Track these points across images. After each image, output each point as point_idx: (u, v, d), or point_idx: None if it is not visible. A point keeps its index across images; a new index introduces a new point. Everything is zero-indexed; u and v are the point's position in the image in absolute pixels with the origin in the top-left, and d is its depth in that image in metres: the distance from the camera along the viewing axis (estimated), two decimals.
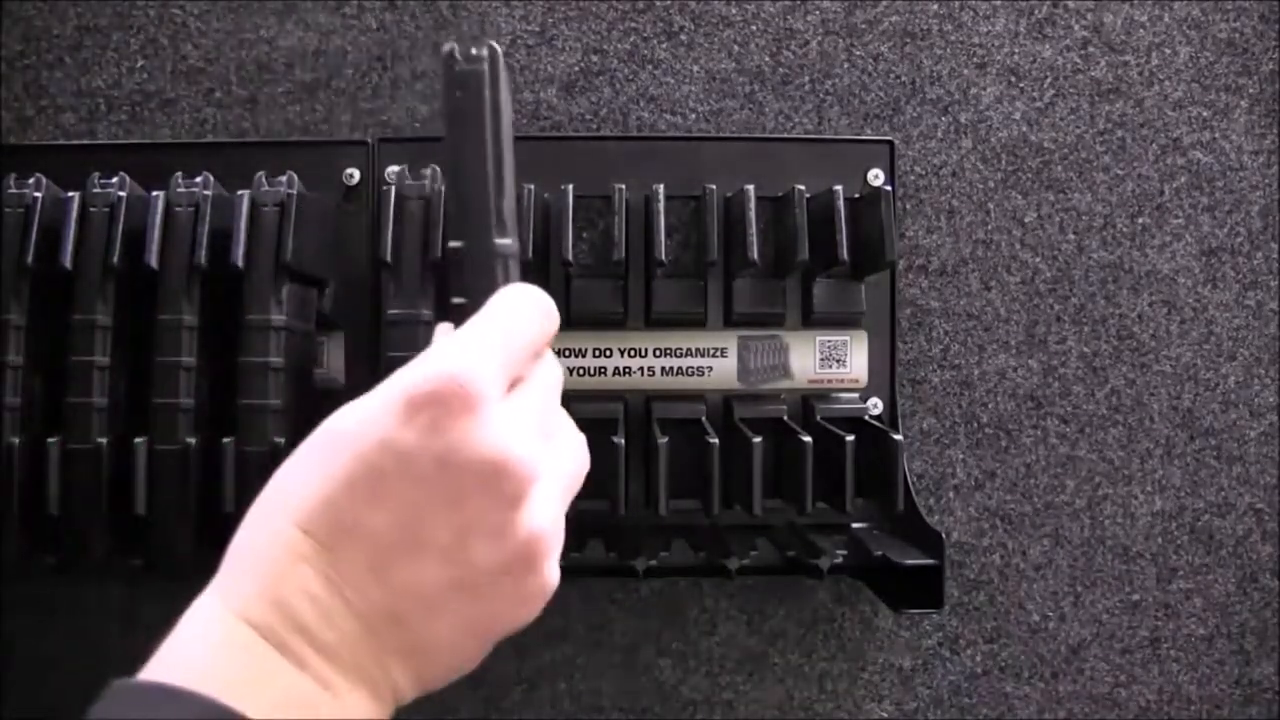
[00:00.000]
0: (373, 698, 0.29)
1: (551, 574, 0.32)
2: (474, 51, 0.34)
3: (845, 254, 0.54)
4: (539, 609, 0.32)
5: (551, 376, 0.34)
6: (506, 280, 0.34)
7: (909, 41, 0.64)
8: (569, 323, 0.60)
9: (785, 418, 0.59)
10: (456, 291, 0.34)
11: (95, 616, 0.61)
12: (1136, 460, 0.64)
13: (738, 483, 0.55)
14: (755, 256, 0.55)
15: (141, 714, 0.27)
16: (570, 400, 0.48)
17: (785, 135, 0.63)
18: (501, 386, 0.30)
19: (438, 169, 0.55)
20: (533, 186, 0.54)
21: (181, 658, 0.28)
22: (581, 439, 0.35)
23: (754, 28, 0.63)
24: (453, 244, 0.34)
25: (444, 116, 0.35)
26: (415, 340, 0.52)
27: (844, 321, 0.61)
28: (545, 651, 0.62)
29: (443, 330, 0.34)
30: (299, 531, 0.29)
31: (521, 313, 0.33)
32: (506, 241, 0.34)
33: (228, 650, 0.28)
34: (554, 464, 0.32)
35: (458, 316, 0.33)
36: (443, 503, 0.29)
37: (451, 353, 0.30)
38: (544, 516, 0.31)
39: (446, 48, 0.35)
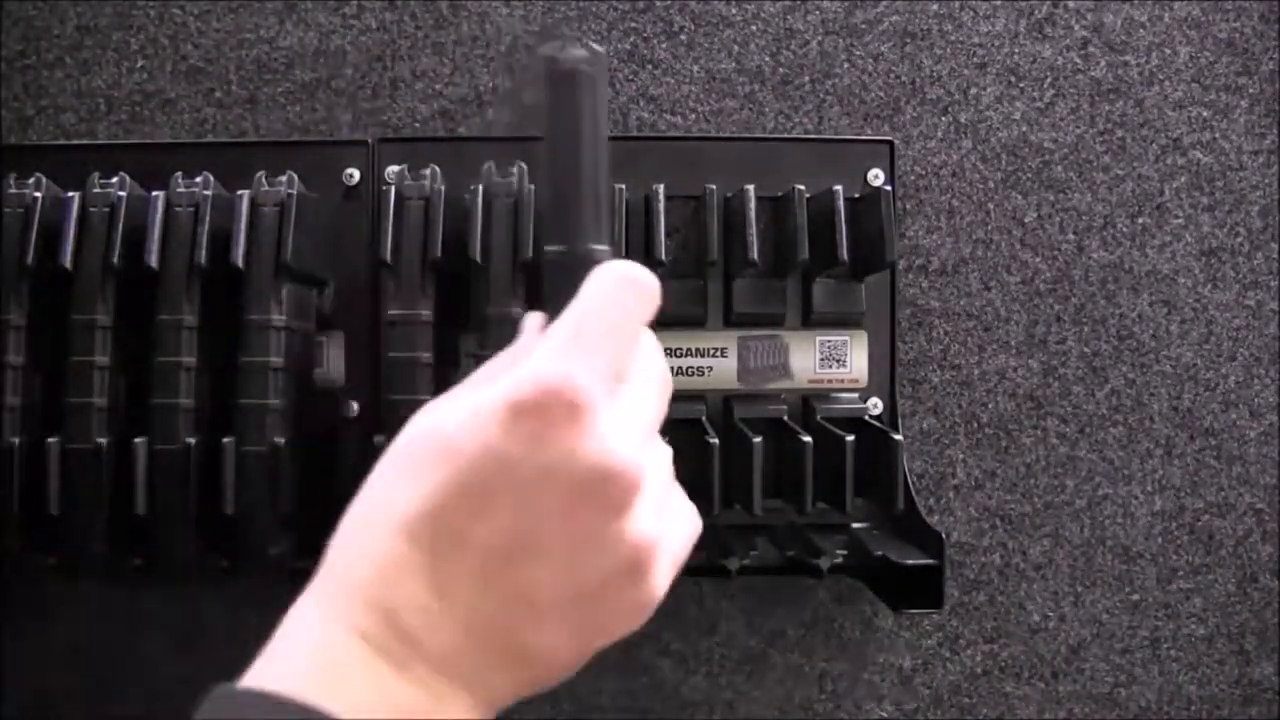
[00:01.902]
0: (472, 703, 0.29)
1: (659, 581, 0.30)
2: (578, 52, 0.34)
3: (845, 254, 0.54)
4: (645, 618, 0.31)
5: (654, 367, 0.33)
6: None
7: (909, 41, 0.64)
8: None
9: (785, 418, 0.59)
10: (550, 296, 0.33)
11: (95, 616, 0.61)
12: (1136, 460, 0.64)
13: (738, 483, 0.55)
14: (755, 256, 0.55)
15: None
16: None
17: (785, 135, 0.63)
18: (605, 389, 0.29)
19: (437, 169, 0.55)
20: (533, 186, 0.54)
21: (285, 664, 0.28)
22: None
23: (754, 28, 0.63)
24: (549, 248, 0.33)
25: (543, 115, 0.34)
26: (415, 340, 0.52)
27: (844, 321, 0.61)
28: None
29: (533, 320, 0.34)
30: (405, 540, 0.28)
31: (620, 301, 0.31)
32: (602, 247, 0.33)
33: (333, 657, 0.28)
34: (659, 465, 0.31)
35: (553, 315, 0.32)
36: (548, 513, 0.28)
37: (554, 357, 0.29)
38: (650, 524, 0.30)
39: (546, 49, 0.34)
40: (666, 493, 0.31)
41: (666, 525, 0.31)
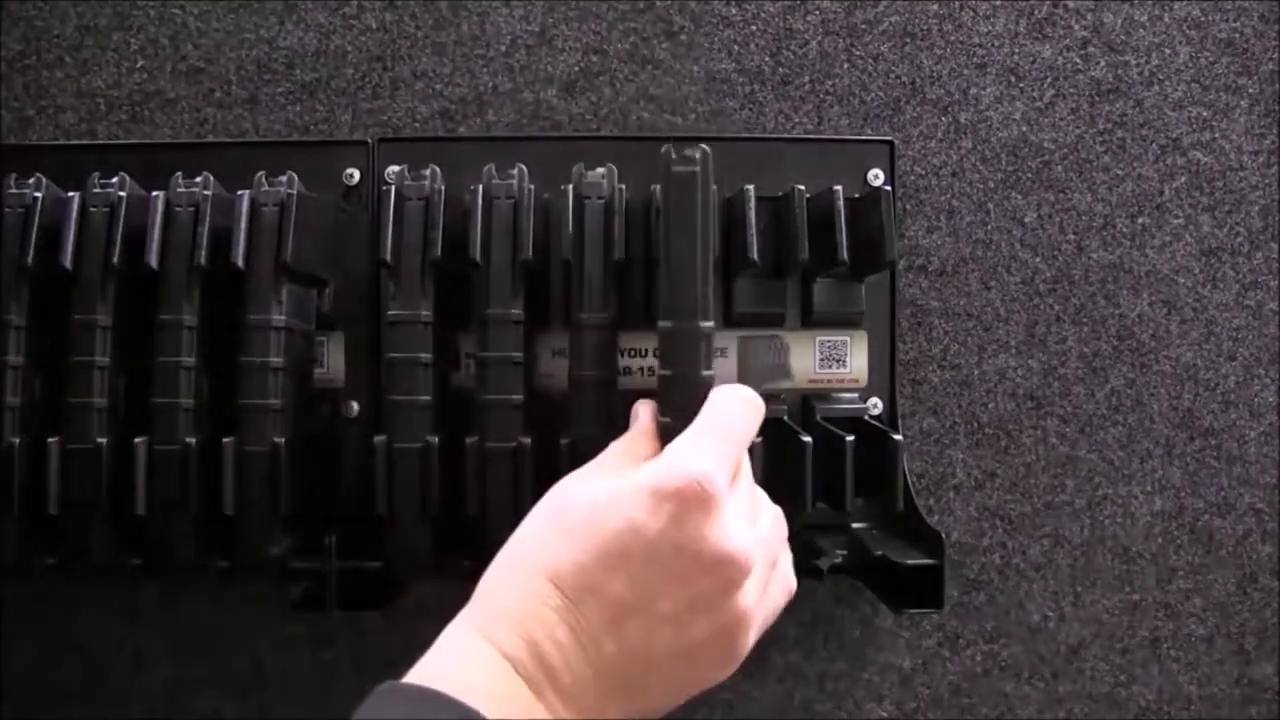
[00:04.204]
0: None
1: (750, 642, 0.37)
2: (688, 153, 0.41)
3: (845, 254, 0.54)
4: (733, 671, 0.38)
5: (747, 463, 0.40)
6: (708, 355, 0.41)
7: (909, 41, 0.64)
8: (569, 323, 0.60)
9: (785, 418, 0.59)
10: (664, 364, 0.41)
11: (95, 616, 0.61)
12: (1136, 460, 0.64)
13: None
14: (755, 256, 0.55)
15: (411, 713, 0.31)
16: None
17: (785, 135, 0.63)
18: (729, 484, 0.37)
19: (437, 169, 0.55)
20: (533, 186, 0.54)
21: (442, 672, 0.33)
22: (777, 512, 0.42)
23: (754, 28, 0.63)
24: (663, 323, 0.41)
25: (661, 211, 0.41)
26: (415, 340, 0.52)
27: (844, 321, 0.61)
28: None
29: (644, 410, 0.42)
30: (550, 584, 0.35)
31: (741, 413, 0.40)
32: (709, 324, 0.41)
33: (483, 673, 0.33)
34: (764, 548, 0.38)
35: (666, 386, 0.40)
36: (675, 580, 0.35)
37: (693, 453, 0.36)
38: (752, 598, 0.37)
39: (664, 149, 0.41)
40: (769, 569, 0.39)
41: (766, 598, 0.39)
